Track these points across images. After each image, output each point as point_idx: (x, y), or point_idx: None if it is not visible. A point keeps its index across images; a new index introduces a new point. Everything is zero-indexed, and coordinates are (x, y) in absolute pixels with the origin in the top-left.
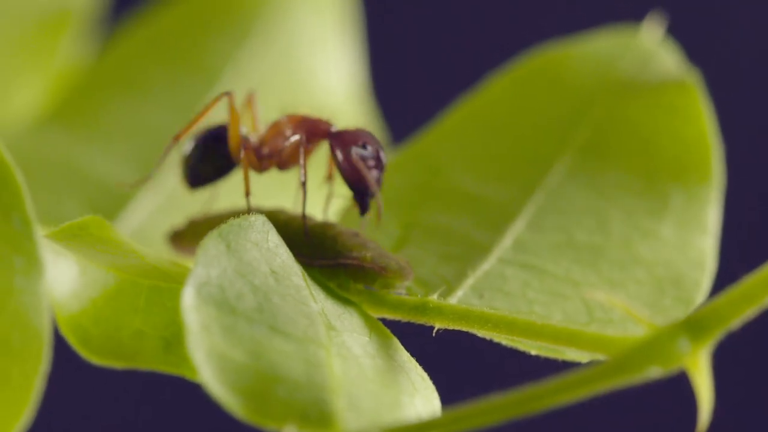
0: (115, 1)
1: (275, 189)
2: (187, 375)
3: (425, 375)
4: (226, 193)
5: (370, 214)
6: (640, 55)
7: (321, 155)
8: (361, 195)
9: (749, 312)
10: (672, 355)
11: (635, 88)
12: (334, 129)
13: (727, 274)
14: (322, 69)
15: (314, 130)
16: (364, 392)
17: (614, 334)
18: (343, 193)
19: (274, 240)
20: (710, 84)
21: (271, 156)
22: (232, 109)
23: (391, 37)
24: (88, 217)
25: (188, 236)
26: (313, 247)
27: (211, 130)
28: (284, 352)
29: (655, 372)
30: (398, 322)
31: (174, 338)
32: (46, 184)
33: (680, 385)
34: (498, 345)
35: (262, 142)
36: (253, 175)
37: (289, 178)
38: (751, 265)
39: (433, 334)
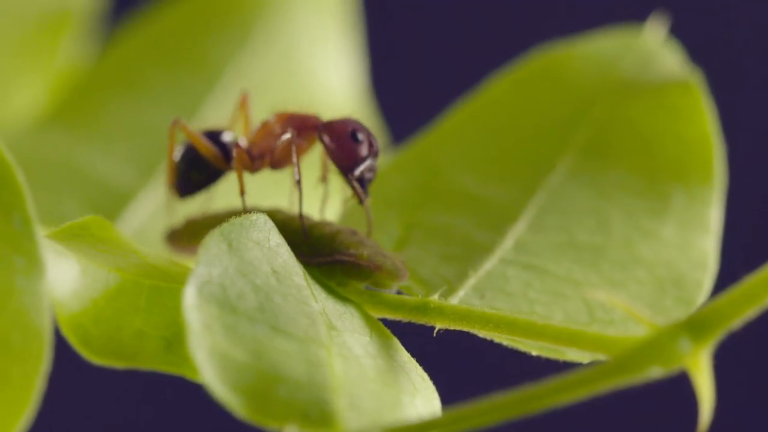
0: (115, 1)
1: (270, 190)
2: (188, 375)
3: (425, 375)
4: (223, 193)
5: (370, 213)
6: (642, 56)
7: (313, 156)
8: (358, 180)
9: (750, 312)
10: (673, 355)
11: (637, 88)
12: (324, 121)
13: (728, 275)
14: (323, 70)
15: (303, 126)
16: (365, 392)
17: (615, 334)
18: (340, 192)
19: (275, 239)
20: (712, 84)
21: (262, 156)
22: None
23: (392, 38)
24: (89, 217)
25: (185, 235)
26: (311, 246)
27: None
28: (285, 351)
29: (656, 372)
30: (399, 322)
31: (175, 338)
32: (47, 185)
33: (681, 386)
34: (499, 345)
35: (253, 143)
36: (248, 177)
37: (284, 179)
38: (752, 266)
39: (434, 335)
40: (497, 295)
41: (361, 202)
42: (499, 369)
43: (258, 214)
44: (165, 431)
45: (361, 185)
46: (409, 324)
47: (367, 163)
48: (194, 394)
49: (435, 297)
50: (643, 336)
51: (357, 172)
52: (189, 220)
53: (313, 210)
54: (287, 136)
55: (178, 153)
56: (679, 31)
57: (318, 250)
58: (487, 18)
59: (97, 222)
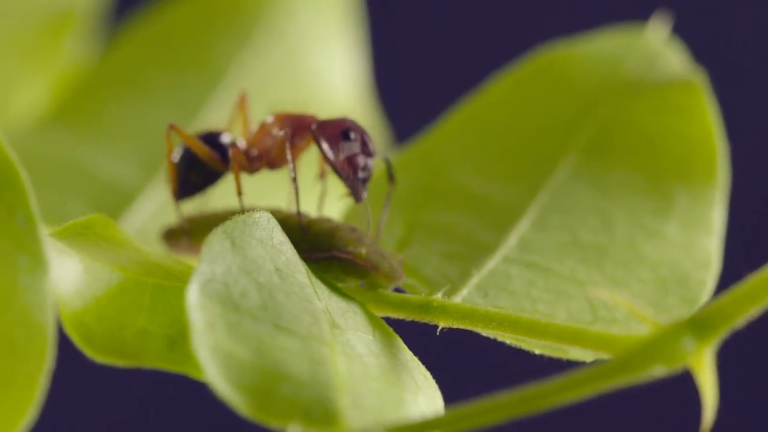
0: (118, 0)
1: (272, 190)
2: (192, 373)
3: (428, 373)
4: (221, 193)
5: (368, 211)
6: (645, 55)
7: (313, 155)
8: (352, 181)
9: (753, 311)
10: (676, 353)
11: (640, 88)
12: (319, 120)
13: (731, 274)
14: (326, 69)
15: (299, 126)
16: (367, 390)
17: (618, 332)
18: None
19: (278, 237)
20: (715, 84)
21: (260, 156)
22: (183, 135)
23: (394, 38)
24: (93, 216)
25: (182, 234)
26: (310, 242)
27: (197, 137)
28: (288, 349)
29: (659, 371)
30: (402, 320)
31: (178, 336)
32: (51, 184)
33: (684, 384)
34: (502, 344)
35: (251, 144)
36: (247, 178)
37: (284, 179)
38: (754, 265)
39: (437, 333)
40: (500, 294)
41: (356, 201)
42: (502, 368)
43: (261, 212)
44: (168, 430)
45: (355, 184)
46: (413, 323)
47: (361, 162)
48: (198, 392)
49: (438, 296)
50: (646, 335)
51: (350, 171)
52: (185, 219)
53: (312, 207)
54: (281, 135)
55: (176, 155)
56: (681, 31)
57: (317, 247)
58: (489, 17)
59: (101, 220)
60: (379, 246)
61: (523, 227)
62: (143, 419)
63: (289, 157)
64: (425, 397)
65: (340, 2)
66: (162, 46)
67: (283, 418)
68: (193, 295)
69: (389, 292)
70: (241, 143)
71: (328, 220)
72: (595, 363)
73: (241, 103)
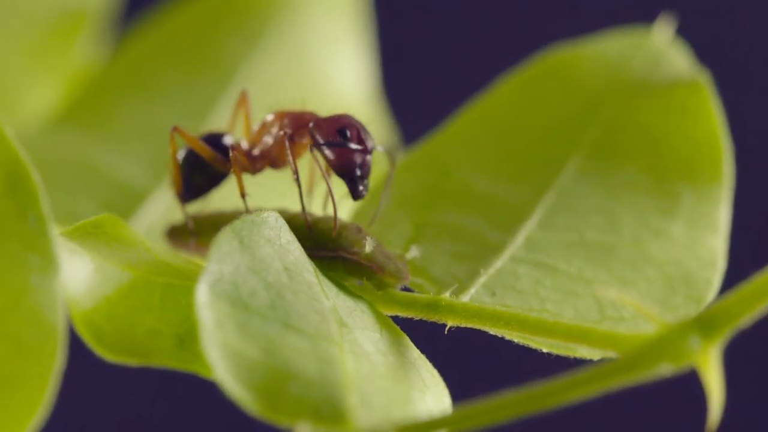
0: (128, 1)
1: (279, 191)
2: (201, 372)
3: (435, 372)
4: (222, 194)
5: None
6: (650, 56)
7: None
8: (349, 179)
9: (759, 310)
10: (683, 352)
11: (646, 88)
12: (317, 118)
13: (736, 273)
14: (335, 70)
15: (299, 124)
16: (375, 389)
17: (625, 331)
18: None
19: (286, 237)
20: (720, 85)
21: (262, 156)
22: (187, 137)
23: (402, 39)
24: (103, 216)
25: (186, 233)
26: (315, 240)
27: (200, 139)
28: (297, 348)
29: (665, 369)
30: (410, 319)
31: (188, 335)
32: (61, 184)
33: (691, 383)
34: (510, 343)
35: (252, 144)
36: (255, 178)
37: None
38: (760, 264)
39: (446, 332)
40: (508, 293)
41: (354, 198)
42: (509, 366)
43: (269, 212)
44: (178, 428)
45: (353, 182)
46: (421, 322)
47: (358, 159)
48: (207, 391)
49: (446, 295)
50: (653, 333)
51: (347, 169)
52: (191, 219)
53: (318, 208)
54: (280, 134)
55: (180, 158)
56: (686, 32)
57: (322, 245)
58: (496, 19)
59: (111, 220)
60: (383, 246)
61: (530, 227)
62: (153, 418)
63: (289, 156)
64: (433, 395)
65: (350, 4)
66: (172, 46)
67: (291, 416)
68: (202, 294)
69: (398, 291)
70: (243, 144)
71: (334, 219)
72: (602, 361)
73: (242, 102)
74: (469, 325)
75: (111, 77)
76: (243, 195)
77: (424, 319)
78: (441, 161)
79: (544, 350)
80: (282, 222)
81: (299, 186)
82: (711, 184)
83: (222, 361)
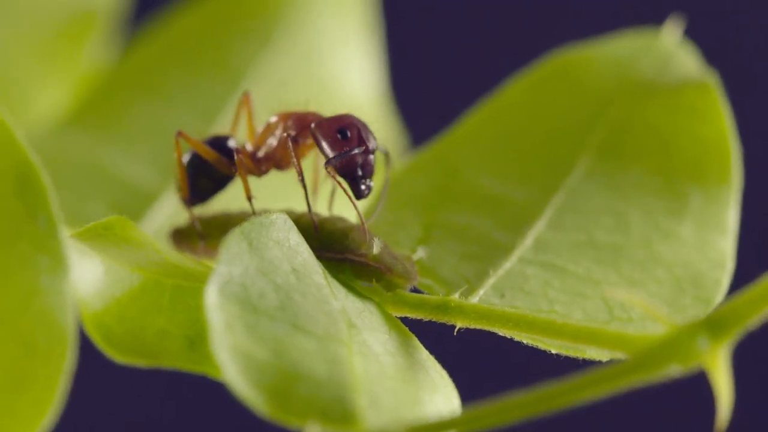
0: (137, 3)
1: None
2: (211, 373)
3: (444, 372)
4: (224, 195)
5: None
6: (659, 57)
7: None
8: (351, 179)
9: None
10: (691, 353)
11: (655, 89)
12: (319, 118)
13: (745, 274)
14: (343, 72)
15: (302, 125)
16: (384, 390)
17: (634, 332)
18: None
19: (295, 238)
20: (728, 86)
21: (267, 158)
22: (191, 141)
23: (411, 41)
24: (113, 218)
25: (191, 235)
26: (321, 240)
27: (204, 143)
28: (306, 350)
29: (674, 370)
30: (419, 321)
31: (198, 337)
32: (71, 185)
33: (699, 384)
34: (519, 344)
35: (257, 146)
36: (261, 181)
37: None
38: None
39: (455, 334)
40: (517, 294)
41: (357, 197)
42: (518, 368)
43: (278, 213)
44: (187, 429)
45: (355, 181)
46: (430, 323)
47: (360, 159)
48: (216, 392)
49: (455, 296)
50: (661, 334)
51: (349, 169)
52: (197, 221)
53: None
54: (283, 135)
55: (185, 161)
56: (694, 34)
57: (329, 246)
58: (504, 21)
59: (121, 222)
60: (390, 248)
61: (538, 228)
62: (162, 419)
63: (293, 157)
64: (442, 396)
65: (358, 6)
66: (181, 48)
67: (301, 417)
68: (211, 296)
69: (406, 292)
70: (248, 146)
71: (341, 220)
72: (611, 362)
73: (245, 103)
74: (478, 327)
75: (120, 79)
76: (249, 198)
77: (434, 320)
78: (450, 162)
79: (553, 351)
80: (290, 224)
81: (304, 187)
82: (719, 185)
83: (231, 362)
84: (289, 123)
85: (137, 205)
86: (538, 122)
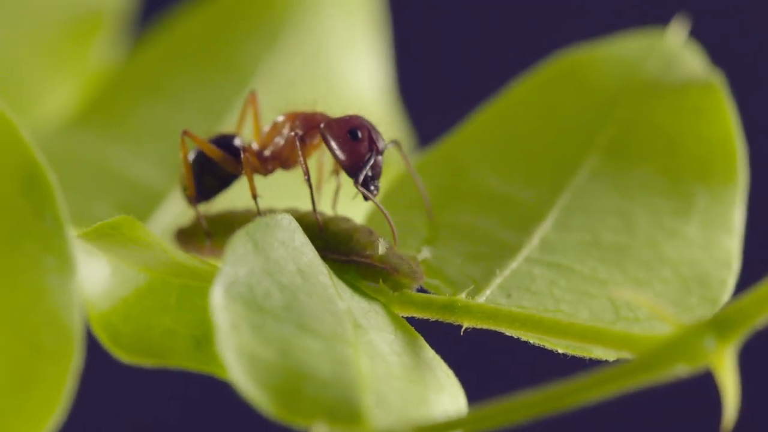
0: (144, 3)
1: (291, 190)
2: (217, 373)
3: (451, 372)
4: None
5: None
6: (665, 57)
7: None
8: (360, 179)
9: None
10: (698, 353)
11: (660, 89)
12: (328, 118)
13: (751, 274)
14: (350, 72)
15: (310, 125)
16: (391, 389)
17: (640, 332)
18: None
19: (300, 239)
20: (734, 85)
21: (273, 157)
22: (197, 140)
23: (418, 41)
24: (120, 217)
25: (196, 235)
26: (326, 240)
27: (210, 142)
28: (312, 350)
29: (681, 370)
30: (426, 321)
31: (204, 337)
32: (78, 185)
33: (706, 384)
34: (525, 344)
35: (263, 145)
36: (266, 179)
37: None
38: None
39: (461, 333)
40: (523, 294)
41: (365, 198)
42: (525, 367)
43: (282, 214)
44: (194, 430)
45: (364, 183)
46: (436, 323)
47: (369, 161)
48: (223, 392)
49: (462, 296)
50: (668, 334)
51: (358, 170)
52: (204, 220)
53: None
54: (291, 134)
55: (191, 160)
56: (700, 34)
57: (333, 247)
58: (510, 21)
59: (128, 222)
60: (394, 248)
61: (545, 228)
62: (169, 419)
63: (300, 158)
64: (448, 395)
65: (365, 5)
66: (188, 48)
67: (307, 417)
68: (217, 297)
69: (413, 292)
70: (254, 145)
71: (345, 220)
72: (617, 362)
73: (251, 102)
74: (485, 326)
75: (127, 79)
76: (255, 196)
77: (440, 320)
78: (456, 162)
79: (560, 351)
80: (295, 224)
81: (310, 187)
82: (725, 184)
83: (237, 362)
84: (297, 122)
85: (144, 204)
86: (544, 122)
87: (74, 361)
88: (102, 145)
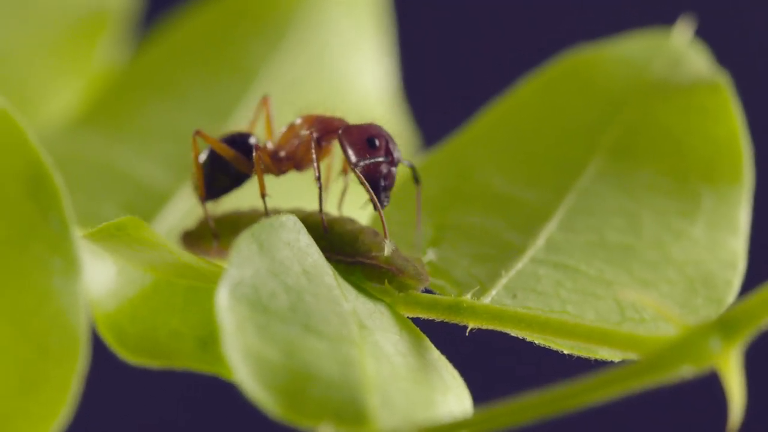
0: (149, 3)
1: (296, 191)
2: (223, 374)
3: (456, 373)
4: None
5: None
6: (670, 57)
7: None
8: (373, 188)
9: None
10: (703, 354)
11: (666, 89)
12: (346, 125)
13: (756, 275)
14: (355, 72)
15: (327, 129)
16: (397, 390)
17: (646, 333)
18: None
19: (305, 240)
20: (740, 86)
21: (288, 158)
22: (209, 140)
23: (423, 41)
24: (126, 218)
25: (201, 236)
26: (330, 241)
27: (223, 140)
28: (318, 351)
29: (686, 371)
30: (431, 321)
31: (210, 337)
32: (84, 186)
33: (712, 385)
34: (531, 344)
35: (279, 145)
36: (274, 180)
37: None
38: None
39: (467, 334)
40: (529, 295)
41: (375, 209)
42: (530, 368)
43: (287, 215)
44: (200, 431)
45: (377, 191)
46: (442, 324)
47: (383, 170)
48: (229, 393)
49: (467, 297)
50: (673, 335)
51: (372, 179)
52: (202, 221)
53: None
54: (306, 135)
55: (203, 159)
56: (705, 34)
57: (339, 248)
58: (515, 21)
59: (133, 222)
60: (399, 250)
61: (550, 228)
62: (177, 420)
63: (314, 159)
64: (454, 396)
65: (370, 6)
66: (193, 48)
67: (313, 418)
68: (222, 298)
69: (418, 293)
70: (269, 145)
71: (351, 221)
72: (623, 363)
73: (264, 105)
74: (491, 327)
75: (132, 79)
76: (263, 195)
77: (446, 320)
78: (461, 163)
79: (565, 352)
80: (300, 225)
81: (320, 189)
82: (731, 185)
83: (243, 364)
84: (314, 125)
85: (150, 205)
86: (549, 123)
87: (80, 362)
88: (107, 145)
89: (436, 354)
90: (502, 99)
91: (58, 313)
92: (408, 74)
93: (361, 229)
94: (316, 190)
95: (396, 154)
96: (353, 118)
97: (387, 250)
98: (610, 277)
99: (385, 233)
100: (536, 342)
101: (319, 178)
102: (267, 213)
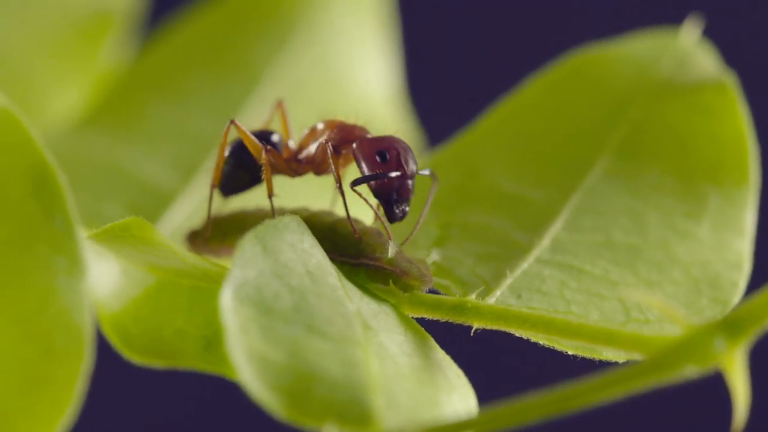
0: (154, 3)
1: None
2: (227, 374)
3: (461, 373)
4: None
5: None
6: (677, 57)
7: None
8: (385, 201)
9: None
10: (708, 354)
11: (673, 89)
12: (362, 136)
13: (762, 275)
14: (360, 72)
15: (345, 138)
16: (401, 390)
17: (651, 333)
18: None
19: (309, 241)
20: (747, 86)
21: (307, 161)
22: (241, 131)
23: (428, 40)
24: (130, 219)
25: (206, 236)
26: (334, 242)
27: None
28: (322, 351)
29: (691, 371)
30: (436, 321)
31: (214, 337)
32: (88, 186)
33: (716, 385)
34: (535, 345)
35: (300, 147)
36: (286, 179)
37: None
38: None
39: (472, 334)
40: (534, 295)
41: (390, 221)
42: (535, 368)
43: (291, 216)
44: (204, 430)
45: (389, 204)
46: (447, 324)
47: (396, 183)
48: (233, 393)
49: (472, 297)
50: (678, 335)
51: (384, 191)
52: (212, 221)
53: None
54: (323, 141)
55: (226, 152)
56: (713, 34)
57: (343, 249)
58: (521, 20)
59: (138, 223)
60: (403, 252)
61: (556, 228)
62: (182, 420)
63: (332, 167)
64: (459, 396)
65: (374, 6)
66: (198, 49)
67: (317, 419)
68: (226, 299)
69: (423, 293)
70: (291, 144)
71: (356, 222)
72: (627, 364)
73: (278, 109)
74: (495, 327)
75: (137, 79)
76: (270, 195)
77: (450, 321)
78: (468, 162)
79: (570, 352)
80: (304, 226)
81: (343, 195)
82: (737, 186)
83: (247, 364)
84: (334, 132)
85: (154, 205)
86: (556, 122)
87: (84, 362)
88: (112, 145)
89: (440, 354)
90: (509, 98)
91: (62, 313)
92: (414, 74)
93: (365, 231)
94: (325, 191)
95: (411, 167)
96: (353, 118)
97: (391, 251)
98: (615, 278)
99: (388, 234)
100: (541, 342)
101: (340, 186)
102: (273, 213)
